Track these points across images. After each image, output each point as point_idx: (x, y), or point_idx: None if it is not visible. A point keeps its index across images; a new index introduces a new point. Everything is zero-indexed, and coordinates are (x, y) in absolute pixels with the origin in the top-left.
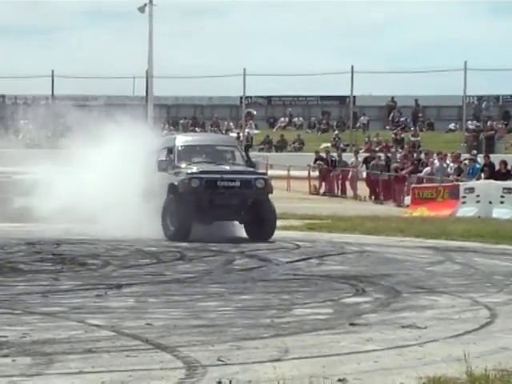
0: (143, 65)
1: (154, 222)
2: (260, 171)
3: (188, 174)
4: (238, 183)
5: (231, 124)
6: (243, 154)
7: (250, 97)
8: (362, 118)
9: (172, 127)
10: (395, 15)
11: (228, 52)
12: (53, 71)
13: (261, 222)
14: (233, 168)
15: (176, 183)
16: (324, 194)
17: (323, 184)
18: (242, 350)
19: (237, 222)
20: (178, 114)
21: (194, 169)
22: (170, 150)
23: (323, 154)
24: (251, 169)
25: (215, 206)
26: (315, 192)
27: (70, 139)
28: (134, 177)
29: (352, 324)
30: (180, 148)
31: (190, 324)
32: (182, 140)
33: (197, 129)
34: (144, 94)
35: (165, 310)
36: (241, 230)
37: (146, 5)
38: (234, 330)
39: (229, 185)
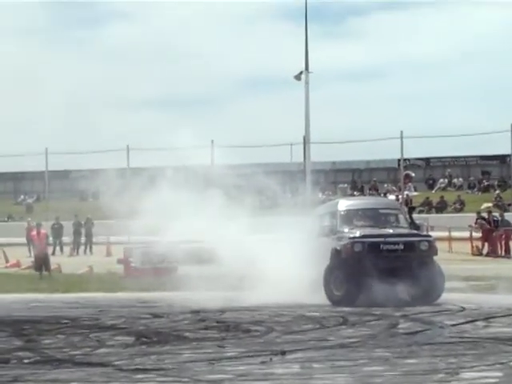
0: (300, 131)
1: (318, 288)
2: (424, 233)
3: (350, 238)
4: (401, 246)
5: (391, 186)
6: (407, 216)
7: (408, 159)
8: None
9: (330, 192)
10: None
11: (384, 115)
12: (212, 141)
13: (427, 285)
14: (396, 231)
15: (339, 248)
16: (487, 255)
17: (486, 244)
18: None
19: (400, 286)
20: (336, 179)
21: (357, 233)
22: (333, 215)
23: (485, 214)
24: (415, 231)
25: (379, 270)
26: (478, 253)
27: (229, 207)
28: (297, 243)
29: None
30: (342, 212)
31: None
32: (344, 204)
33: (355, 193)
34: (302, 160)
35: (330, 375)
36: (403, 293)
37: (301, 72)
38: None
39: (392, 248)
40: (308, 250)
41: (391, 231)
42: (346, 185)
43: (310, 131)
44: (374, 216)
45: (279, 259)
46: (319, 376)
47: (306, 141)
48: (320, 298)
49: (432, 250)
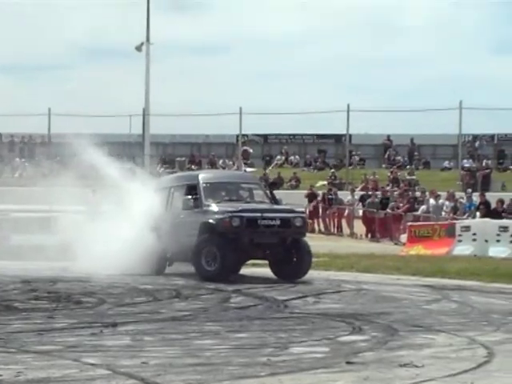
0: (140, 103)
1: (171, 261)
2: (298, 209)
3: (228, 212)
4: (278, 222)
5: (228, 161)
6: (267, 191)
7: (247, 135)
8: (359, 153)
9: (168, 165)
10: (390, 54)
11: (225, 90)
12: (49, 109)
13: (296, 262)
14: (272, 206)
15: (213, 222)
16: (320, 232)
17: (320, 222)
18: None
19: (273, 262)
20: (175, 152)
21: (232, 207)
22: (192, 188)
23: (320, 192)
24: (289, 207)
25: (254, 245)
26: (311, 230)
27: (68, 177)
28: (142, 215)
29: (349, 362)
30: (205, 185)
31: (185, 362)
32: (206, 177)
33: (193, 166)
34: (141, 132)
35: (160, 348)
36: (275, 270)
37: (142, 43)
38: (230, 369)
39: (269, 223)
40: (159, 223)
41: (268, 207)
42: (184, 158)
43: (151, 103)
44: (236, 190)
45: (119, 231)
46: (150, 348)
47: (145, 113)
48: (155, 271)
49: (305, 226)
